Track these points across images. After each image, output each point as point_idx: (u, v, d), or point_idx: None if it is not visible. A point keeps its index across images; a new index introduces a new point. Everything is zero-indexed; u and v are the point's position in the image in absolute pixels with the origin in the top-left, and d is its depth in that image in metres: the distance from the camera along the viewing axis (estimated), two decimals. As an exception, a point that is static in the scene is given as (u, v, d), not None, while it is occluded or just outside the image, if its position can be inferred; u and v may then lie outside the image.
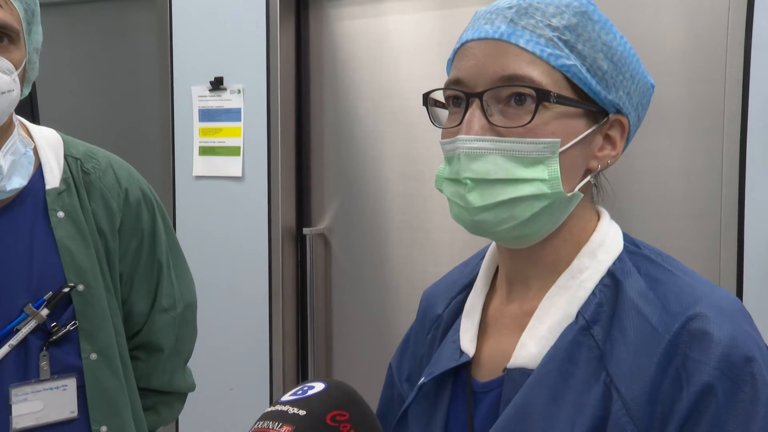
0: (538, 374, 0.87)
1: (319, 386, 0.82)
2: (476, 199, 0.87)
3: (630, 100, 0.92)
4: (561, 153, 0.86)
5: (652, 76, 0.98)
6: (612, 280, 0.89)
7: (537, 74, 0.86)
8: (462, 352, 0.97)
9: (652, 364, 0.81)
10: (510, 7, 0.89)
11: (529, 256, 0.93)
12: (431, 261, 2.63)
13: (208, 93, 2.88)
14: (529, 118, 0.85)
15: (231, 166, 2.86)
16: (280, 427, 0.77)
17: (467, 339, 0.98)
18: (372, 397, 1.07)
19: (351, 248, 2.81)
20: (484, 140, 0.86)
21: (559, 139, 0.86)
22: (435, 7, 2.57)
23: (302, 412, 0.78)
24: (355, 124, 2.76)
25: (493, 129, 0.86)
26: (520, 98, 0.86)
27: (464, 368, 0.97)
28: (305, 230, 2.81)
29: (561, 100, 0.86)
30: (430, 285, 1.16)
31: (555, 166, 0.86)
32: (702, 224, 2.24)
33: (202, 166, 2.92)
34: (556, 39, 0.86)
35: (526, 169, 0.86)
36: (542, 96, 0.85)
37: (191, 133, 2.93)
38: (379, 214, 2.73)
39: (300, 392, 0.82)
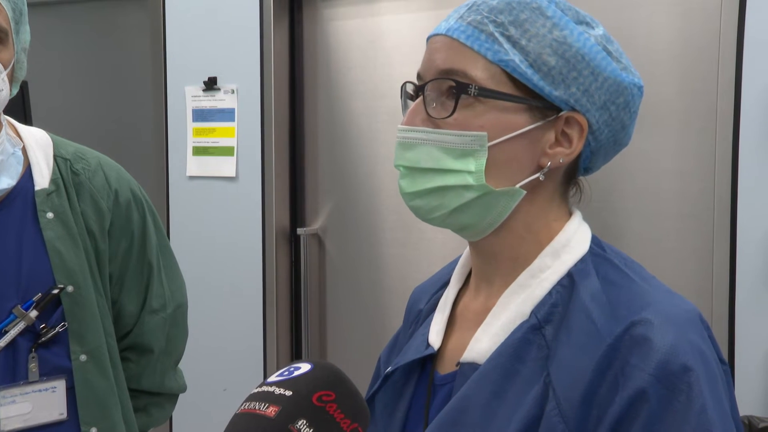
0: (483, 369, 0.88)
1: (305, 367, 0.82)
2: (407, 185, 0.92)
3: (589, 97, 0.90)
4: (493, 146, 0.88)
5: (645, 76, 0.97)
6: (570, 281, 0.89)
7: (474, 68, 0.88)
8: (428, 345, 0.99)
9: (591, 366, 0.81)
10: (466, 4, 0.92)
11: (487, 251, 0.95)
12: (425, 260, 2.62)
13: (201, 93, 2.88)
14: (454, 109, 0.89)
15: (225, 166, 2.85)
16: (267, 408, 0.77)
17: (435, 332, 0.99)
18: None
19: (345, 248, 2.80)
20: (417, 131, 0.90)
21: (485, 133, 0.88)
22: (428, 8, 2.57)
23: (288, 393, 0.78)
24: (348, 123, 2.76)
25: (430, 120, 0.90)
26: (454, 91, 0.89)
27: (430, 360, 0.99)
28: (299, 230, 2.81)
29: (486, 93, 0.87)
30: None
31: (482, 160, 0.88)
32: (695, 223, 2.24)
33: (195, 166, 2.91)
34: (497, 34, 0.88)
35: (454, 160, 0.89)
36: (461, 88, 0.87)
37: (185, 134, 2.92)
38: (372, 214, 2.73)
39: (286, 373, 0.81)
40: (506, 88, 0.88)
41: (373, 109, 2.70)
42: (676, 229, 2.26)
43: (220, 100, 2.85)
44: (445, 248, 2.56)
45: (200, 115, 2.89)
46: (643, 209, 2.30)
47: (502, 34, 0.89)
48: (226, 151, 2.85)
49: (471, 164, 0.88)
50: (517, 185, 0.90)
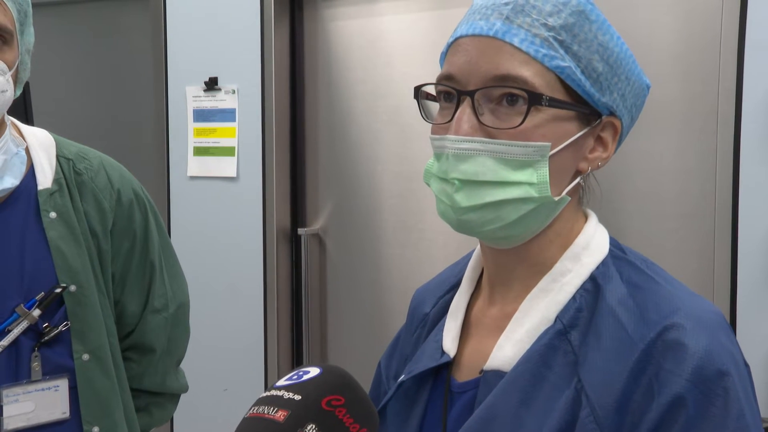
0: (510, 376, 0.86)
1: (314, 371, 0.81)
2: (463, 199, 0.86)
3: (624, 102, 0.90)
4: (551, 156, 0.85)
5: (647, 76, 0.97)
6: (593, 285, 0.88)
7: (530, 75, 0.83)
8: (443, 352, 0.96)
9: (625, 372, 0.80)
10: (506, 4, 0.86)
11: (513, 256, 0.92)
12: (425, 261, 2.62)
13: (202, 93, 2.88)
14: (520, 119, 0.83)
15: (225, 166, 2.86)
16: (276, 412, 0.77)
17: (449, 339, 0.97)
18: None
19: (345, 248, 2.81)
20: (473, 141, 0.84)
21: (549, 143, 0.84)
22: (429, 8, 2.57)
23: (297, 397, 0.78)
24: (349, 124, 2.76)
25: (483, 129, 0.84)
26: (511, 99, 0.84)
27: (445, 368, 0.96)
28: (300, 230, 2.81)
29: (553, 102, 0.84)
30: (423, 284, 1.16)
31: (544, 170, 0.84)
32: (696, 224, 2.24)
33: (196, 166, 2.91)
34: (551, 39, 0.84)
35: (514, 171, 0.84)
36: (534, 99, 0.83)
37: (186, 134, 2.92)
38: (373, 215, 2.73)
39: (295, 377, 0.81)
40: (561, 95, 0.85)
41: (373, 109, 2.70)
42: (678, 230, 2.27)
43: (221, 101, 2.85)
44: (446, 249, 2.56)
45: (201, 115, 2.89)
46: (644, 209, 2.30)
47: (556, 39, 0.84)
48: (227, 152, 2.85)
49: (532, 176, 0.84)
50: (564, 192, 0.88)
